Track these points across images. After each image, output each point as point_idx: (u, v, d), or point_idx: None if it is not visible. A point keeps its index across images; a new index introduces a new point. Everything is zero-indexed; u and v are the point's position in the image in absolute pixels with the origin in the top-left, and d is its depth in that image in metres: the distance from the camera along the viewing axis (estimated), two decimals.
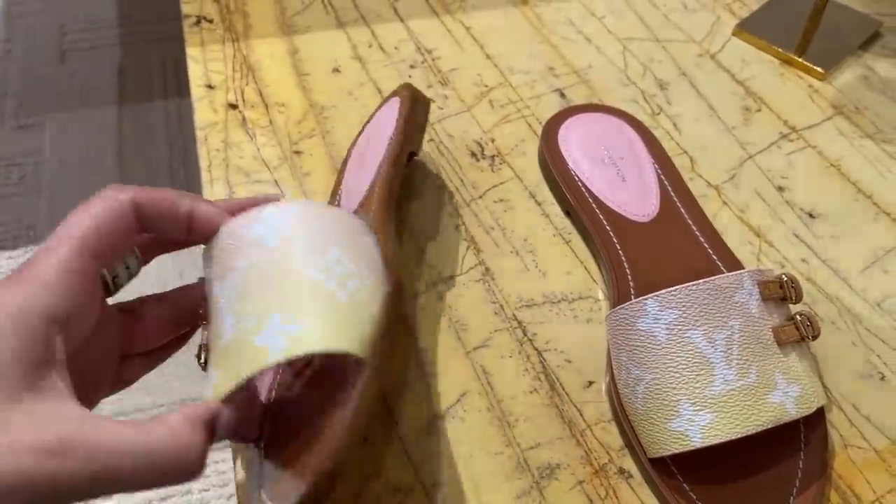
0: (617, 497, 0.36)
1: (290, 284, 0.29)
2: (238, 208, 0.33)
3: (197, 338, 0.34)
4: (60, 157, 1.41)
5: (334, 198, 0.45)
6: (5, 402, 0.23)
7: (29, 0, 1.71)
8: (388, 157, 0.41)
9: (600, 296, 0.43)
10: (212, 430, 0.27)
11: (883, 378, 0.40)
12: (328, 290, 0.29)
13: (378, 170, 0.41)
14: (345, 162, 0.47)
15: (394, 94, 0.47)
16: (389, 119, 0.45)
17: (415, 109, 0.45)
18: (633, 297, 0.41)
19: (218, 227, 0.32)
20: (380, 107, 0.48)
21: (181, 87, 1.54)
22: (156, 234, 0.32)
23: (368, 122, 0.49)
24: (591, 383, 0.40)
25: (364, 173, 0.43)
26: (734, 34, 0.59)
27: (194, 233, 0.32)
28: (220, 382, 0.29)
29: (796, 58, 0.56)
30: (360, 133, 0.48)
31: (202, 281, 0.34)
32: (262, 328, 0.28)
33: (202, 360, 0.32)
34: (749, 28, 0.59)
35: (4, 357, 0.24)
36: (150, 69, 1.58)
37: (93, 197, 0.29)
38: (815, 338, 0.36)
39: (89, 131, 1.45)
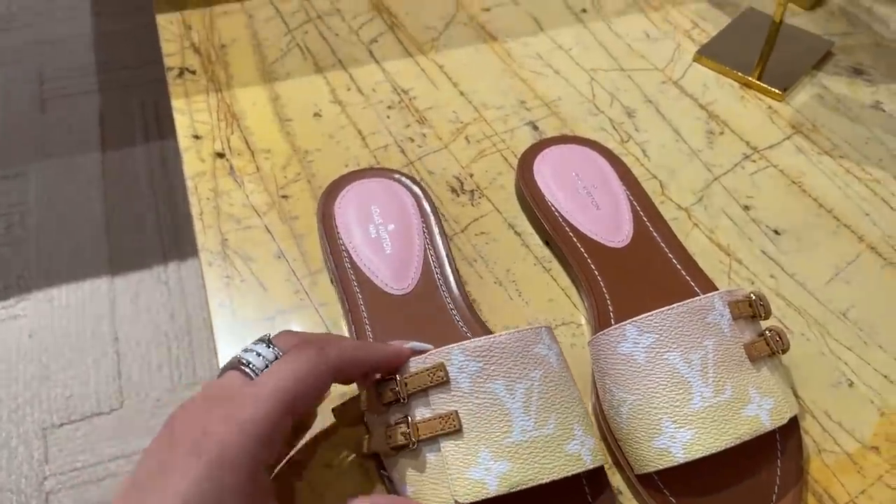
0: None
1: (574, 401, 0.36)
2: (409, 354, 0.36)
3: None
4: (46, 206, 1.42)
5: (340, 258, 0.46)
6: None
7: (5, 49, 1.73)
8: (443, 240, 0.48)
9: (582, 321, 0.46)
10: None
11: (851, 385, 0.42)
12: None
13: (432, 249, 0.48)
14: (330, 234, 0.48)
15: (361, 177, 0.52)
16: (405, 205, 0.50)
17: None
18: (612, 320, 0.43)
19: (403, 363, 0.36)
20: (329, 198, 0.50)
21: (162, 129, 1.56)
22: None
23: (330, 212, 0.49)
24: None
25: (404, 252, 0.47)
26: (695, 60, 0.62)
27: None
28: (509, 475, 0.33)
29: (755, 80, 0.60)
30: (328, 211, 0.49)
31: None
32: (570, 436, 0.35)
33: (409, 440, 0.34)
34: (708, 54, 0.62)
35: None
36: (131, 113, 1.59)
37: (298, 350, 0.33)
38: (784, 351, 0.38)
39: (74, 178, 1.47)
